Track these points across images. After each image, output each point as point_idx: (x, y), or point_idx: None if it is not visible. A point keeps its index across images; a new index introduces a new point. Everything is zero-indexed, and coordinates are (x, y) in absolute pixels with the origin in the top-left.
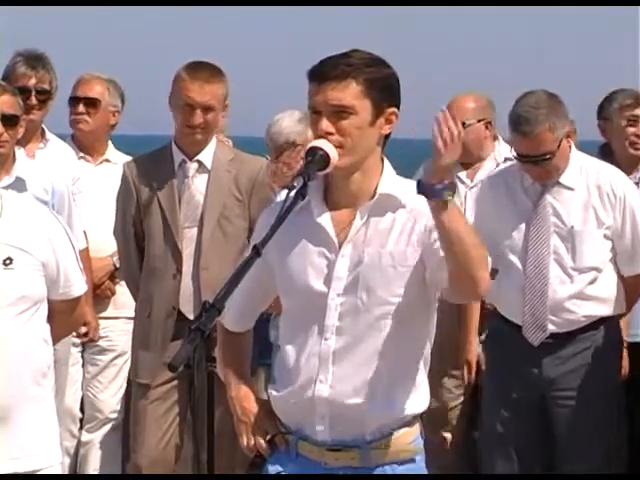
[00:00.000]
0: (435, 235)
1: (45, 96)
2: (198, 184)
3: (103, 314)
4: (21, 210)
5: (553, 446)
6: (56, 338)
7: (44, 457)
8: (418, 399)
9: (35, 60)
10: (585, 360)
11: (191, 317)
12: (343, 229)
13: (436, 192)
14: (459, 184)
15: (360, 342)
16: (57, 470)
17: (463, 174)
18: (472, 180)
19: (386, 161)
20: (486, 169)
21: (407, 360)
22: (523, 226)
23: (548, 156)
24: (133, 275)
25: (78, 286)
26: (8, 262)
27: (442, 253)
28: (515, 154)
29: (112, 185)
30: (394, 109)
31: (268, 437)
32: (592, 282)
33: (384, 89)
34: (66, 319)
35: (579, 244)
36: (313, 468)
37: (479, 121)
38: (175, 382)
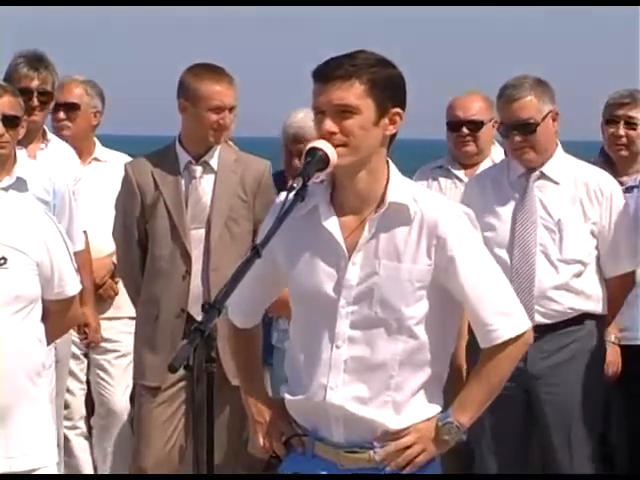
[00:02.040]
0: (449, 251)
1: (47, 97)
2: (205, 185)
3: (106, 315)
4: (15, 210)
5: (542, 442)
6: (50, 338)
7: (40, 457)
8: (430, 406)
9: (37, 61)
10: (568, 355)
11: (199, 318)
12: (350, 234)
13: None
14: (458, 183)
15: (373, 352)
16: (53, 470)
17: (461, 173)
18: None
19: (392, 165)
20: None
21: (421, 370)
22: (509, 219)
23: (532, 121)
24: (134, 277)
25: (72, 285)
26: (2, 262)
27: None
28: (502, 130)
29: (103, 183)
30: (398, 109)
31: (284, 438)
32: (577, 275)
33: (388, 89)
34: (60, 319)
35: (565, 236)
36: (329, 469)
37: (489, 120)
38: (181, 384)
